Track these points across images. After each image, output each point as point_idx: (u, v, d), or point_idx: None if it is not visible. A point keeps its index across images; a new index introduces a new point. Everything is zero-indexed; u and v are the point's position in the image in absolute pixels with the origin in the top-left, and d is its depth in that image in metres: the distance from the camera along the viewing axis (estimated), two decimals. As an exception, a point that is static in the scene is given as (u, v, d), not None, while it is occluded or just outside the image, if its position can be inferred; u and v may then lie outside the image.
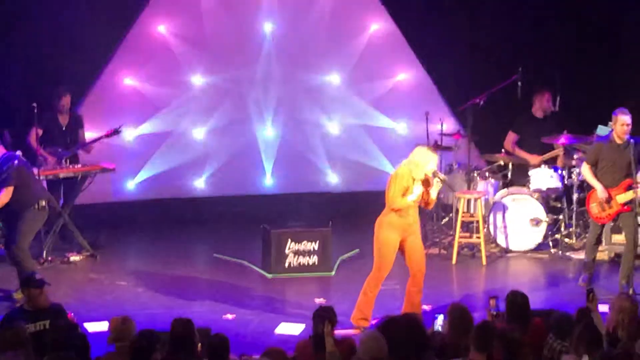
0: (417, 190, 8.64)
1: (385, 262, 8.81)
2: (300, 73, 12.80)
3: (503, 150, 11.73)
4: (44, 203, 9.58)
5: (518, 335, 6.32)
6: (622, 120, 9.73)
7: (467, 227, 11.49)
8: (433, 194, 8.77)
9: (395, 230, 8.74)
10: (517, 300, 7.13)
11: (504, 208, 11.31)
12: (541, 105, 11.80)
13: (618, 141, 9.81)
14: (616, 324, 6.91)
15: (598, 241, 10.27)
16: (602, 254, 10.98)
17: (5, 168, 9.25)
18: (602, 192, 9.84)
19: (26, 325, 7.18)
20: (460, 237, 11.12)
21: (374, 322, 8.54)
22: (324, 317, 6.82)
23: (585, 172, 10.05)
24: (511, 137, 11.88)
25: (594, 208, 9.98)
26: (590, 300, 7.06)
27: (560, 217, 11.50)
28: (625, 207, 9.81)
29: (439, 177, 8.76)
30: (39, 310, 7.44)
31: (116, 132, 11.25)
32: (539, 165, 11.41)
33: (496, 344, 6.27)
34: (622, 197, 9.79)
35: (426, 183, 8.72)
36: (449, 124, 12.46)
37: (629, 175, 9.80)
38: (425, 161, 8.63)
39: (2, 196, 9.27)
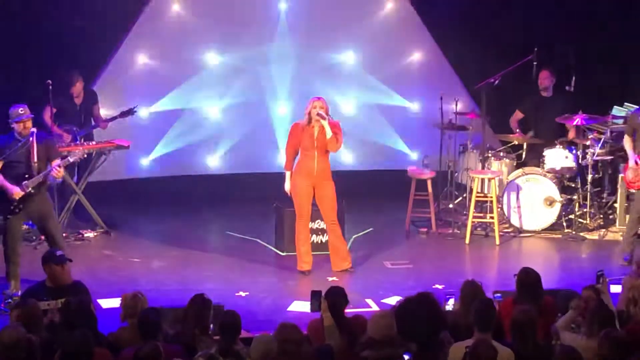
0: (286, 179, 9.75)
1: (299, 207, 9.74)
2: (315, 51, 12.77)
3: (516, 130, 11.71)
4: None
5: (531, 317, 6.32)
6: None
7: (481, 207, 11.48)
8: (327, 132, 9.50)
9: (302, 176, 9.66)
10: (528, 278, 7.12)
11: (517, 188, 11.28)
12: (539, 83, 11.75)
13: None
14: (628, 302, 6.91)
15: None
16: (617, 235, 10.97)
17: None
18: (632, 159, 10.11)
19: (47, 302, 7.21)
20: (474, 217, 11.11)
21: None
22: (319, 294, 6.83)
23: (625, 142, 10.28)
24: (516, 116, 11.88)
25: (629, 173, 10.17)
26: (600, 283, 7.05)
27: (575, 197, 11.47)
28: None
29: (318, 115, 9.52)
30: (60, 287, 7.41)
31: (131, 112, 11.29)
32: (552, 146, 11.38)
33: (510, 326, 6.29)
34: None
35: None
36: (464, 104, 12.43)
37: None
38: (307, 107, 9.60)
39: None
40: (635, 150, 10.13)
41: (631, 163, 10.13)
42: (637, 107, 10.56)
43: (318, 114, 9.51)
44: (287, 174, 9.79)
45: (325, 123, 9.51)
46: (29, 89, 11.31)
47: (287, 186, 9.79)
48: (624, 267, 9.69)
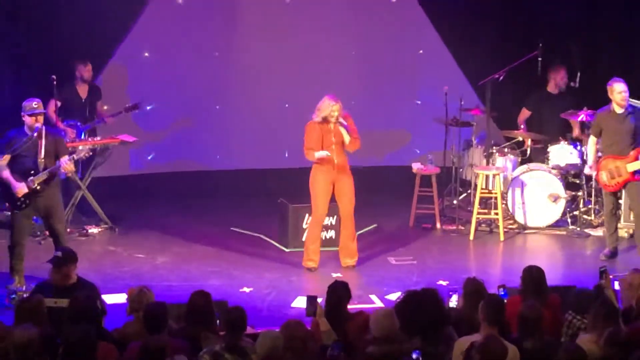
0: (321, 154, 9.46)
1: (316, 203, 9.63)
2: (320, 46, 12.75)
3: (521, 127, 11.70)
4: None
5: (535, 313, 6.31)
6: (618, 89, 9.82)
7: (485, 203, 11.48)
8: (345, 137, 9.55)
9: (322, 172, 9.56)
10: (532, 275, 7.12)
11: (522, 184, 11.27)
12: (556, 82, 11.73)
13: (618, 110, 9.85)
14: (637, 300, 6.87)
15: (615, 213, 10.24)
16: (621, 231, 10.95)
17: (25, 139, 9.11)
18: (591, 163, 10.12)
19: (54, 300, 7.17)
20: (479, 213, 11.10)
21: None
22: (315, 299, 6.82)
23: (589, 144, 10.22)
24: (523, 115, 11.85)
25: (602, 175, 10.01)
26: (603, 279, 7.04)
27: (579, 193, 11.46)
28: (635, 177, 9.84)
29: (338, 122, 9.50)
30: (65, 286, 7.34)
31: (135, 107, 11.27)
32: (557, 142, 11.37)
33: (515, 321, 6.28)
34: (632, 166, 9.85)
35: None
36: (468, 99, 12.41)
37: (636, 144, 9.82)
38: (323, 108, 9.47)
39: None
40: (602, 151, 10.10)
41: (586, 171, 10.23)
42: (605, 106, 10.39)
43: (339, 122, 9.50)
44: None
45: (343, 131, 9.52)
46: (34, 84, 11.32)
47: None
48: (602, 261, 9.66)
